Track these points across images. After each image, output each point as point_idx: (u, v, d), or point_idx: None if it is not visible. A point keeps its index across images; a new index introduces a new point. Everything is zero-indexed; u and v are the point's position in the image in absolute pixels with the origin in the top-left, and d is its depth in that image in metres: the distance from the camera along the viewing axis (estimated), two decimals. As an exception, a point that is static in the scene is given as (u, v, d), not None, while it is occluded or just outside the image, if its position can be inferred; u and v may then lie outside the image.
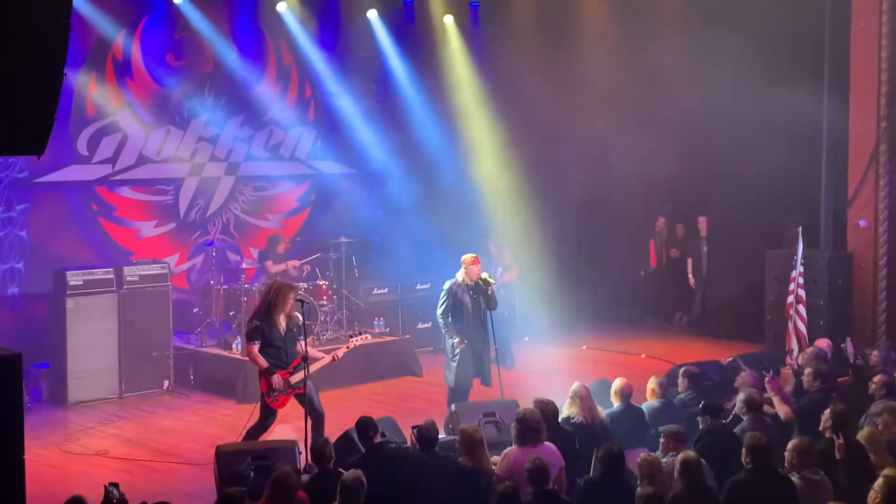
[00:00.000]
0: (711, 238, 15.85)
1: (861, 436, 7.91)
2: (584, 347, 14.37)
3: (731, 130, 13.80)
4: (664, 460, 7.80)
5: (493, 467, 8.00)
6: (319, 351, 10.39)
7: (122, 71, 13.87)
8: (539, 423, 7.93)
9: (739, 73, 13.77)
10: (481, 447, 7.92)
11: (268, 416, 9.70)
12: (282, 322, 9.64)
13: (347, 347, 10.33)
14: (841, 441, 7.39)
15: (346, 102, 15.54)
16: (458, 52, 15.98)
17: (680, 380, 9.97)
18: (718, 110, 13.81)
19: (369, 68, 15.95)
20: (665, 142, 14.54)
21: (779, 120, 13.46)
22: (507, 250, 14.35)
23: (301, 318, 9.60)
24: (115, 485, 6.72)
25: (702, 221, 15.92)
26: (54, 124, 5.88)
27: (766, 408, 9.12)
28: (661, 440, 8.06)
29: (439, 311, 10.88)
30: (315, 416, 9.58)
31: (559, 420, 8.56)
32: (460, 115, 15.81)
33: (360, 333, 10.54)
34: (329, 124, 15.81)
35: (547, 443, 7.87)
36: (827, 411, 8.15)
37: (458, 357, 10.78)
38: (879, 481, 6.63)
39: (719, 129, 13.87)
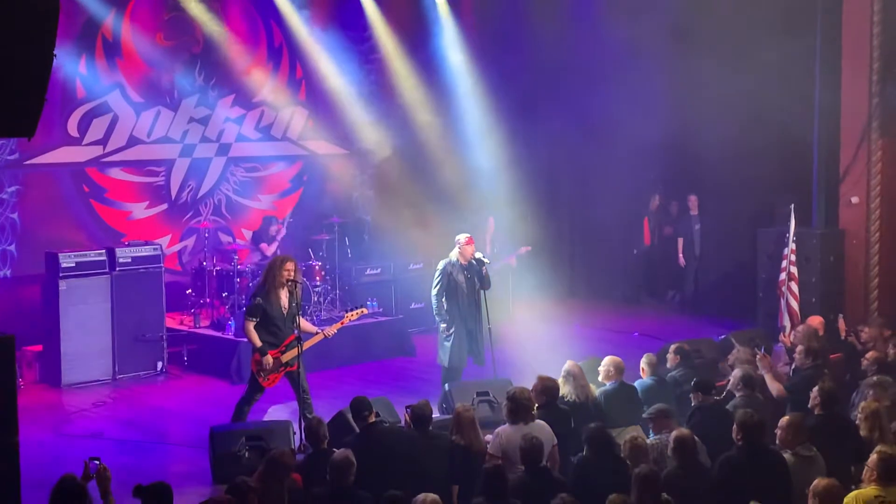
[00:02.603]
0: (703, 216, 15.87)
1: (864, 409, 7.94)
2: (577, 325, 14.37)
3: (723, 108, 13.76)
4: (657, 438, 7.85)
5: (487, 446, 8.04)
6: (314, 326, 10.42)
7: (112, 52, 13.81)
8: (530, 400, 7.97)
9: (732, 51, 13.73)
10: (473, 426, 7.95)
11: (255, 392, 9.77)
12: (284, 298, 9.66)
13: (342, 323, 10.35)
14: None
15: (338, 82, 15.48)
16: (450, 30, 15.90)
17: (670, 356, 10.00)
18: (710, 88, 13.78)
19: (361, 48, 15.89)
20: (657, 120, 14.52)
21: (771, 97, 13.43)
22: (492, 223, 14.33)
23: (301, 287, 9.61)
24: (97, 459, 6.72)
25: (692, 200, 15.94)
26: (44, 106, 5.86)
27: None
28: (651, 424, 8.10)
29: (434, 292, 10.89)
30: (300, 395, 9.63)
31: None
32: (453, 94, 15.76)
33: (355, 308, 10.54)
34: (321, 104, 15.75)
35: (539, 420, 7.90)
36: (815, 388, 8.20)
37: (451, 336, 10.81)
38: (874, 457, 6.67)
39: (711, 106, 13.83)
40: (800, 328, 11.32)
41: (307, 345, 9.77)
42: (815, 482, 6.35)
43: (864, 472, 6.67)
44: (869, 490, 6.53)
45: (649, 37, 14.18)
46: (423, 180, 15.19)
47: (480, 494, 6.72)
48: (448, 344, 10.83)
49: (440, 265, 10.92)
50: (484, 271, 10.84)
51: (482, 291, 10.86)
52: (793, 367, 10.01)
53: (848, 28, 13.01)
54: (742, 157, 14.38)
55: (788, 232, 12.53)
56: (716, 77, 13.65)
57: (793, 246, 12.52)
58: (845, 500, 6.42)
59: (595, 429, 7.45)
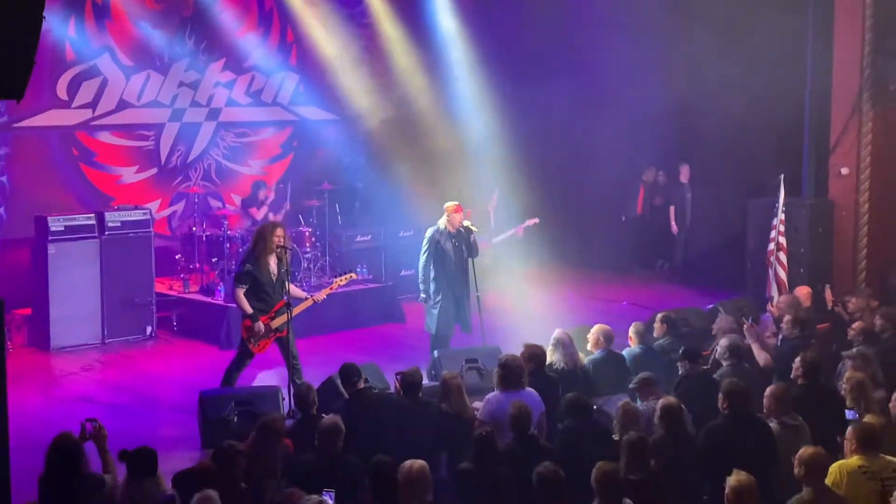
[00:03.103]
0: (694, 186, 15.88)
1: (849, 379, 7.99)
2: (567, 294, 14.40)
3: (715, 79, 13.75)
4: (644, 405, 7.89)
5: (476, 413, 8.08)
6: (303, 292, 10.44)
7: (102, 14, 13.70)
8: (521, 368, 8.00)
9: (725, 22, 13.69)
10: (460, 393, 7.99)
11: (245, 358, 9.80)
12: (272, 264, 9.67)
13: (331, 289, 10.38)
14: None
15: (329, 47, 15.38)
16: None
17: (658, 325, 10.03)
18: (703, 59, 13.75)
19: (353, 12, 15.78)
20: (650, 91, 14.48)
21: (763, 68, 13.42)
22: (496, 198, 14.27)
23: (291, 253, 9.62)
24: (94, 420, 6.76)
25: (684, 169, 15.97)
26: (33, 68, 5.82)
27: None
28: (637, 394, 8.15)
29: (422, 260, 10.92)
30: (289, 361, 9.66)
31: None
32: (445, 60, 15.69)
33: (343, 273, 10.54)
34: (312, 70, 15.66)
35: (528, 388, 7.94)
36: (798, 359, 8.25)
37: (438, 304, 10.83)
38: (850, 430, 6.73)
39: (704, 77, 13.82)
40: (783, 298, 11.37)
41: (297, 310, 9.79)
42: (802, 451, 6.39)
43: (844, 444, 6.72)
44: (852, 461, 6.59)
45: (644, 9, 14.12)
46: (415, 147, 15.14)
47: (469, 461, 6.76)
48: (435, 311, 10.86)
49: (428, 233, 10.93)
50: (472, 239, 10.85)
51: (470, 259, 10.88)
52: (780, 336, 10.06)
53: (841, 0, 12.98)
54: (733, 127, 14.38)
55: (778, 202, 12.56)
56: (709, 48, 13.61)
57: (782, 216, 12.54)
58: (829, 470, 6.48)
59: (573, 397, 7.53)
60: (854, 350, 8.90)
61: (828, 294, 11.65)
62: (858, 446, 6.64)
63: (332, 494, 6.03)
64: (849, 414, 7.77)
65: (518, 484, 6.67)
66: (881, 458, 6.60)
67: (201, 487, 5.95)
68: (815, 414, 7.62)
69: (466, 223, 10.94)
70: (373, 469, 6.30)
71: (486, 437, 6.84)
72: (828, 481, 6.38)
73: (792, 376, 8.22)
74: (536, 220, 14.10)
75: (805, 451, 6.38)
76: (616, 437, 7.24)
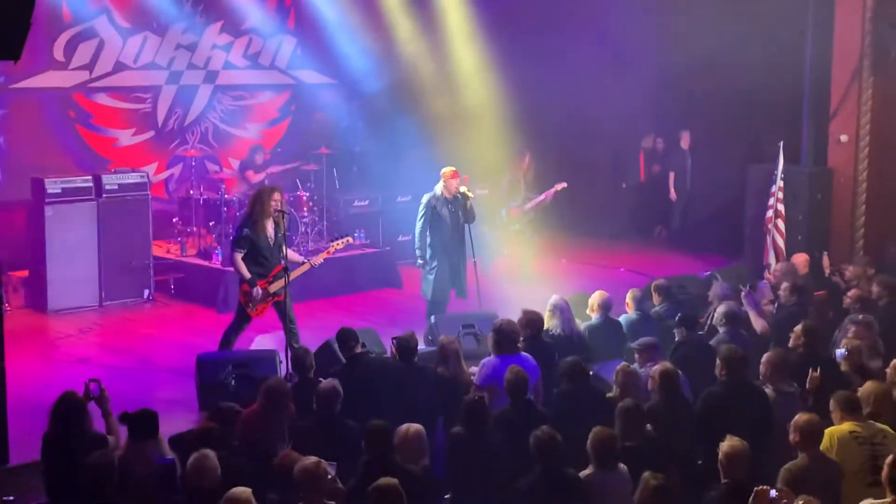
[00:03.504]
0: (693, 153, 15.85)
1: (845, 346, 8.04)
2: (564, 261, 14.41)
3: (713, 45, 13.67)
4: (642, 370, 7.92)
5: (472, 378, 8.11)
6: (300, 256, 10.44)
7: (99, -25, 13.61)
8: (516, 333, 8.03)
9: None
10: (457, 358, 8.02)
11: (242, 322, 9.82)
12: (269, 228, 9.66)
13: (328, 253, 10.38)
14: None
15: (327, 10, 15.26)
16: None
17: (654, 292, 10.06)
18: (703, 25, 13.67)
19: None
20: (649, 57, 14.42)
21: (762, 33, 13.35)
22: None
23: (288, 218, 9.60)
24: (97, 380, 6.80)
25: (685, 136, 15.94)
26: (30, 29, 5.79)
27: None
28: (637, 355, 8.17)
29: (418, 226, 10.92)
30: (287, 324, 9.67)
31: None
32: (445, 29, 15.58)
33: (340, 237, 10.54)
34: (310, 33, 15.56)
35: (523, 353, 7.96)
36: (798, 327, 8.27)
37: (434, 269, 10.84)
38: (832, 401, 6.76)
39: (702, 43, 13.74)
40: (780, 265, 11.38)
41: (294, 275, 9.79)
42: (797, 417, 6.43)
43: (832, 416, 6.76)
44: (844, 426, 6.62)
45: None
46: (414, 111, 15.07)
47: (460, 425, 6.79)
48: (431, 277, 10.87)
49: (424, 198, 10.92)
50: (468, 205, 10.83)
51: (466, 225, 10.87)
52: (775, 304, 10.09)
53: (842, -36, 12.91)
54: (732, 94, 14.32)
55: (777, 169, 12.54)
56: (709, 14, 13.54)
57: (780, 183, 12.53)
58: (822, 436, 6.53)
59: (571, 362, 7.52)
60: (860, 317, 8.92)
61: (825, 261, 11.66)
62: (843, 414, 6.68)
63: (335, 466, 6.07)
64: (838, 354, 7.85)
65: (511, 448, 6.71)
66: (872, 425, 6.64)
67: (199, 448, 5.99)
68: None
69: (463, 189, 10.92)
70: (369, 433, 6.33)
71: (476, 401, 6.87)
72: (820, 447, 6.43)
73: (791, 345, 8.24)
74: (565, 185, 13.94)
75: (800, 417, 6.42)
76: (611, 395, 7.30)
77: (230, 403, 7.00)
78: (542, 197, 13.66)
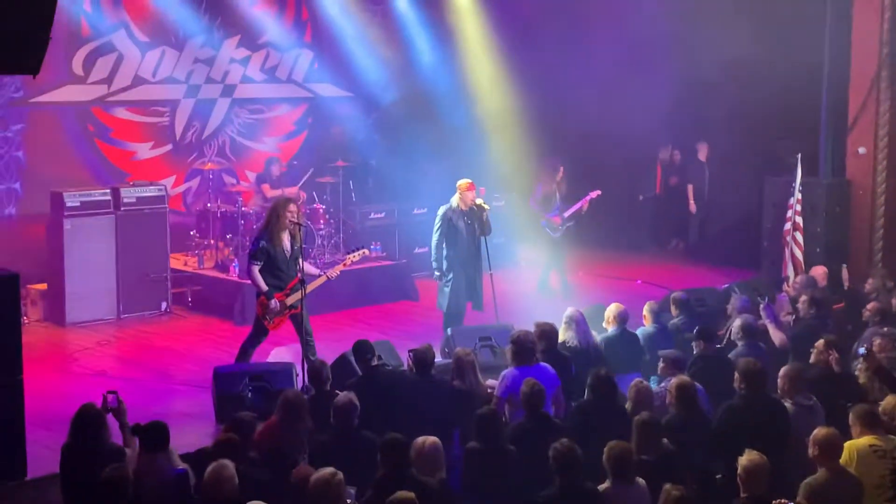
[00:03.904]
0: (710, 164, 15.82)
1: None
2: (580, 273, 14.37)
3: (731, 56, 13.65)
4: (662, 385, 7.88)
5: (489, 391, 8.09)
6: (316, 269, 10.45)
7: (118, -10, 13.70)
8: (533, 343, 8.02)
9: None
10: (474, 370, 8.01)
11: (260, 335, 9.82)
12: (286, 241, 9.67)
13: (344, 265, 10.38)
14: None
15: (344, 24, 15.33)
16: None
17: (671, 306, 10.04)
18: (720, 35, 13.65)
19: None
20: (665, 68, 14.39)
21: (780, 45, 13.32)
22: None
23: (304, 230, 9.62)
24: (114, 392, 6.83)
25: (702, 148, 15.91)
26: (49, 43, 5.82)
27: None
28: (661, 365, 8.13)
29: (434, 238, 10.90)
30: (303, 337, 9.67)
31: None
32: (461, 40, 15.62)
33: (356, 250, 10.54)
34: (327, 47, 15.63)
35: (542, 363, 7.95)
36: (819, 342, 8.21)
37: (450, 282, 10.83)
38: (851, 416, 6.71)
39: (719, 55, 13.72)
40: (799, 278, 11.33)
41: (311, 287, 9.79)
42: (816, 431, 6.39)
43: (851, 430, 6.71)
44: (863, 440, 6.58)
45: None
46: (430, 124, 15.09)
47: (475, 439, 6.77)
48: (447, 289, 10.86)
49: (440, 211, 10.91)
50: (484, 217, 10.81)
51: (483, 237, 10.86)
52: (794, 317, 10.03)
53: (861, -24, 12.88)
54: (750, 105, 14.30)
55: (795, 181, 12.49)
56: (726, 24, 13.51)
57: (799, 195, 12.48)
58: (840, 449, 6.48)
59: (598, 374, 7.46)
60: (884, 329, 8.87)
61: (844, 274, 11.60)
62: (863, 428, 6.63)
63: (353, 493, 6.08)
64: (859, 352, 7.81)
65: (528, 462, 6.69)
66: (892, 439, 6.59)
67: (218, 458, 6.00)
68: (830, 394, 7.61)
69: (479, 201, 10.90)
70: (385, 446, 6.32)
71: (488, 414, 6.86)
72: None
73: (812, 360, 8.18)
74: (599, 192, 13.95)
75: (819, 431, 6.37)
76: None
77: (248, 413, 7.01)
78: (578, 205, 13.64)
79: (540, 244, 13.57)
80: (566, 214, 13.50)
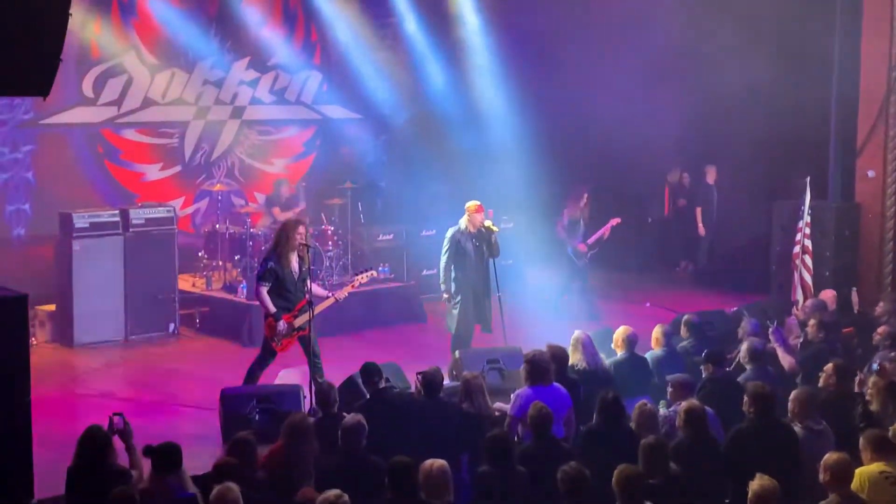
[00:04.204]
0: (719, 187, 15.81)
1: (874, 384, 7.94)
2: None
3: (740, 80, 13.67)
4: (671, 409, 7.85)
5: (497, 413, 8.06)
6: (324, 290, 10.44)
7: (128, 12, 13.79)
8: (548, 363, 8.00)
9: (751, 24, 13.61)
10: (482, 393, 7.99)
11: (267, 356, 9.79)
12: (294, 262, 9.66)
13: (352, 286, 10.36)
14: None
15: (353, 47, 15.39)
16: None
17: (682, 328, 10.00)
18: (729, 59, 13.68)
19: (377, 11, 15.78)
20: (674, 91, 14.42)
21: (789, 69, 13.33)
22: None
23: (313, 251, 9.62)
24: (120, 414, 6.81)
25: (710, 170, 15.91)
26: (60, 65, 5.84)
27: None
28: (669, 389, 8.09)
29: (443, 260, 10.89)
30: (311, 359, 9.65)
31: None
32: (470, 62, 15.66)
33: (365, 271, 10.53)
34: (336, 69, 15.70)
35: (555, 384, 7.93)
36: (828, 366, 8.17)
37: (458, 304, 10.81)
38: (861, 440, 6.66)
39: (728, 78, 13.74)
40: (808, 302, 11.29)
41: (318, 309, 9.77)
42: (827, 456, 6.34)
43: (861, 455, 6.65)
44: (873, 467, 6.52)
45: (670, 8, 14.06)
46: (439, 146, 15.12)
47: (486, 462, 6.74)
48: (455, 312, 10.84)
49: (449, 233, 10.91)
50: (493, 239, 10.81)
51: (491, 259, 10.85)
52: (801, 340, 9.99)
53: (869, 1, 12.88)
54: (759, 128, 14.30)
55: (804, 205, 12.46)
56: (735, 48, 13.54)
57: (807, 219, 12.44)
58: (852, 476, 6.43)
59: (609, 398, 7.42)
60: (892, 353, 8.83)
61: (854, 297, 11.56)
62: (874, 454, 6.57)
63: None
64: (872, 367, 7.76)
65: (534, 483, 6.65)
66: (902, 464, 6.54)
67: (221, 481, 5.98)
68: (841, 420, 7.56)
69: (488, 223, 10.90)
70: (393, 469, 6.29)
71: (499, 436, 6.83)
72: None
73: (821, 384, 8.14)
74: (619, 220, 14.00)
75: (830, 456, 6.32)
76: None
77: (246, 434, 6.97)
78: (600, 233, 13.68)
79: (561, 269, 13.59)
80: (590, 241, 13.53)
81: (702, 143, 15.79)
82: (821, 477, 6.30)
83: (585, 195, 13.81)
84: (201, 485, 6.61)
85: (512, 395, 8.07)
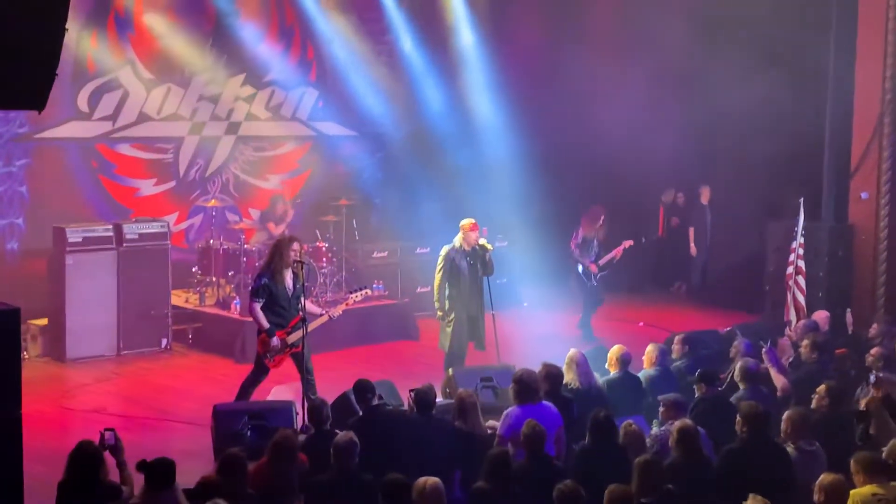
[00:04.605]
0: (713, 208, 15.84)
1: (867, 405, 7.93)
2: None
3: (734, 101, 13.73)
4: (663, 428, 7.84)
5: (490, 431, 8.04)
6: (318, 307, 10.43)
7: (124, 27, 13.80)
8: (536, 382, 7.98)
9: (745, 44, 13.67)
10: (475, 411, 7.97)
11: (260, 373, 9.78)
12: (288, 279, 9.65)
13: (347, 304, 10.35)
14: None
15: (349, 63, 15.42)
16: (463, 16, 15.81)
17: (675, 347, 10.01)
18: (723, 80, 13.74)
19: (373, 29, 15.83)
20: (668, 112, 14.46)
21: (784, 90, 13.38)
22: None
23: (307, 268, 9.61)
24: (112, 430, 6.78)
25: (705, 191, 15.95)
26: (55, 80, 5.84)
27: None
28: (661, 409, 8.08)
29: (437, 278, 10.90)
30: (304, 375, 9.63)
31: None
32: (466, 80, 15.70)
33: (359, 290, 10.52)
34: (331, 85, 15.72)
35: (545, 402, 7.91)
36: (821, 388, 8.17)
37: (452, 322, 10.81)
38: (852, 463, 6.64)
39: (723, 99, 13.80)
40: (801, 322, 11.29)
41: (312, 326, 9.77)
42: (822, 477, 6.33)
43: (853, 477, 6.64)
44: (865, 489, 6.50)
45: (666, 30, 14.12)
46: (434, 164, 15.14)
47: (484, 479, 6.72)
48: (449, 329, 10.84)
49: (443, 250, 10.92)
50: (487, 257, 10.81)
51: (485, 277, 10.85)
52: (792, 361, 9.99)
53: (864, 22, 12.94)
54: (753, 149, 14.34)
55: (797, 225, 12.48)
56: (729, 70, 13.59)
57: (801, 240, 12.45)
58: (844, 497, 6.41)
59: (598, 416, 7.42)
60: (883, 375, 8.82)
61: (848, 318, 11.57)
62: (865, 476, 6.56)
63: None
64: (871, 378, 7.75)
65: (529, 502, 6.63)
66: (894, 486, 6.51)
67: (204, 497, 5.94)
68: (834, 440, 7.55)
69: (482, 241, 10.91)
70: (387, 487, 6.26)
71: (500, 455, 6.81)
72: (841, 509, 6.32)
73: (813, 406, 8.13)
74: (632, 242, 14.03)
75: (825, 477, 6.31)
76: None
77: (235, 450, 6.94)
78: (612, 254, 13.69)
79: (575, 288, 13.59)
80: (601, 262, 13.54)
81: (696, 164, 15.82)
82: (815, 498, 6.29)
83: (602, 216, 13.84)
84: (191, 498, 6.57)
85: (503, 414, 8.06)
